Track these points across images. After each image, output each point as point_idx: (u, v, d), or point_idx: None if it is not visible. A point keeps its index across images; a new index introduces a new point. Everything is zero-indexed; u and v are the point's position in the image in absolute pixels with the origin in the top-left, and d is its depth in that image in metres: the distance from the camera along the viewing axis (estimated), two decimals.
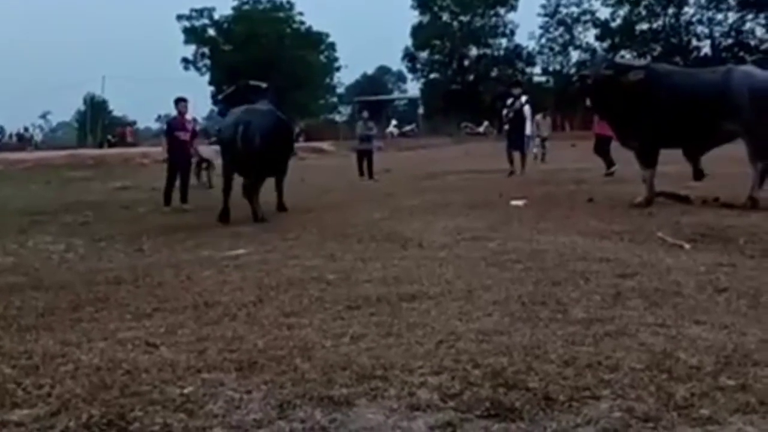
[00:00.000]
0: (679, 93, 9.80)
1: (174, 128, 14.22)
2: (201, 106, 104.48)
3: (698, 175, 13.18)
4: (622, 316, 4.07)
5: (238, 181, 10.82)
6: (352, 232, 8.65)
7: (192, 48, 70.10)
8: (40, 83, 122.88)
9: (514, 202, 10.21)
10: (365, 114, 22.64)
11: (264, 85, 12.81)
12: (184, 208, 13.42)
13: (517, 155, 17.33)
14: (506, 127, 17.85)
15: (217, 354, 3.63)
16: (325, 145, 46.75)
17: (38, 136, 78.46)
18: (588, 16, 62.23)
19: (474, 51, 67.04)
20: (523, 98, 17.53)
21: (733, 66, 10.16)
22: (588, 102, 10.91)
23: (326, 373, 3.18)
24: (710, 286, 4.93)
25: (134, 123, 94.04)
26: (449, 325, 3.96)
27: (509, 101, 17.78)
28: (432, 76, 67.92)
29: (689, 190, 10.60)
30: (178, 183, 13.82)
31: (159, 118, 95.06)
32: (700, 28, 61.01)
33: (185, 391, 3.12)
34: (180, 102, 14.25)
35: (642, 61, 10.11)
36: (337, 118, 77.90)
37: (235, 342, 3.80)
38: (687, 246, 6.95)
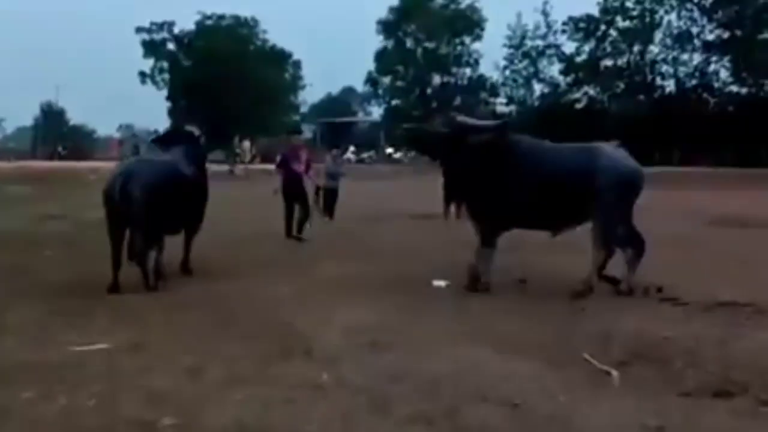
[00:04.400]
0: (541, 169, 8.79)
1: (288, 159, 14.50)
2: (158, 121, 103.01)
3: None
4: None
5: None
6: (241, 319, 7.55)
7: (150, 62, 68.71)
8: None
9: (436, 283, 9.14)
10: (335, 151, 21.62)
11: (197, 131, 11.50)
12: (299, 237, 14.19)
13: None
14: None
15: None
16: None
17: None
18: (553, 50, 61.95)
19: (437, 79, 66.41)
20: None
21: (599, 145, 9.20)
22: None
23: None
24: None
25: (94, 133, 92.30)
26: None
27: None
28: (394, 102, 67.22)
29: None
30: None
31: (120, 128, 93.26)
32: (665, 68, 61.01)
33: None
34: (293, 134, 16.16)
35: (491, 123, 9.07)
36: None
37: None
38: (614, 374, 5.90)
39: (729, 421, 4.86)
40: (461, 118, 9.10)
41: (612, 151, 9.05)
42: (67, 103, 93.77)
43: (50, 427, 4.55)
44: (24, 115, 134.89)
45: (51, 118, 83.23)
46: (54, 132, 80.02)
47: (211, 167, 39.69)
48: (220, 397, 5.14)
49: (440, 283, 9.18)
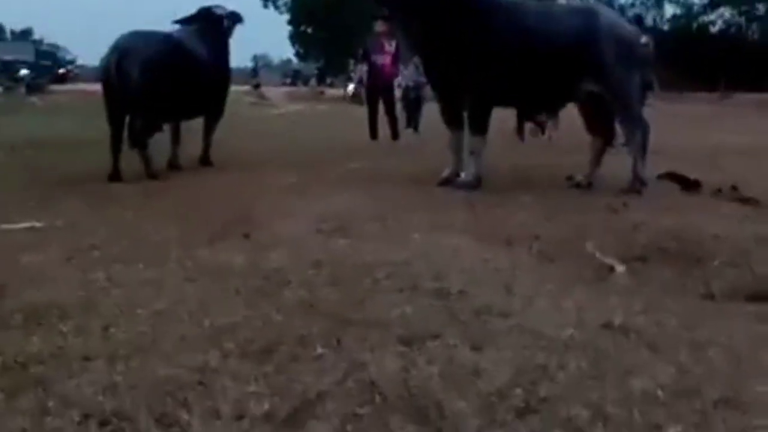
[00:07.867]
0: (529, 36, 7.11)
1: (370, 52, 12.81)
2: (281, 46, 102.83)
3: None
4: None
5: None
6: (212, 206, 6.50)
7: None
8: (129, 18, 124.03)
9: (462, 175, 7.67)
10: (416, 59, 19.06)
11: (223, 11, 10.02)
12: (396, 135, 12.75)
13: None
14: None
15: None
16: None
17: None
18: None
19: None
20: None
21: (596, 5, 7.54)
22: None
23: None
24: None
25: None
26: None
27: None
28: None
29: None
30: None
31: (254, 58, 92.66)
32: None
33: None
34: (377, 21, 12.91)
35: None
36: None
37: None
38: (619, 269, 4.48)
39: (748, 326, 3.43)
40: None
41: (610, 13, 7.60)
42: None
43: None
44: None
45: None
46: None
47: (328, 91, 38.88)
48: (89, 278, 4.07)
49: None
